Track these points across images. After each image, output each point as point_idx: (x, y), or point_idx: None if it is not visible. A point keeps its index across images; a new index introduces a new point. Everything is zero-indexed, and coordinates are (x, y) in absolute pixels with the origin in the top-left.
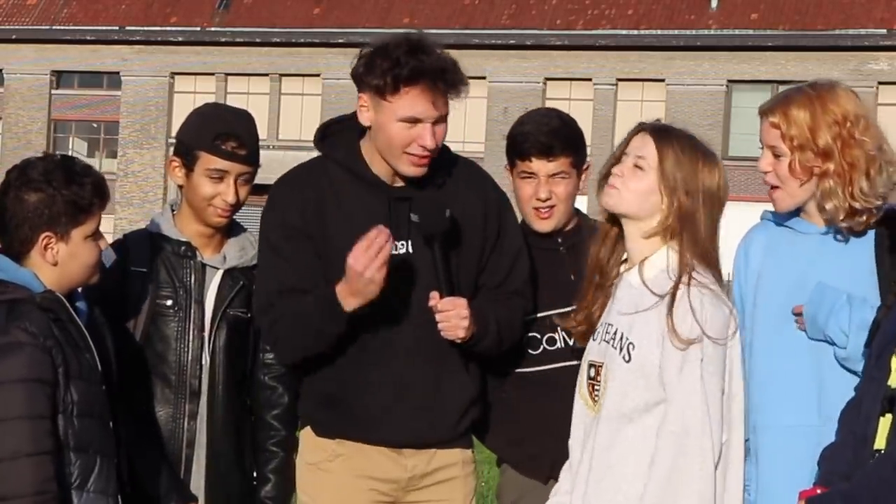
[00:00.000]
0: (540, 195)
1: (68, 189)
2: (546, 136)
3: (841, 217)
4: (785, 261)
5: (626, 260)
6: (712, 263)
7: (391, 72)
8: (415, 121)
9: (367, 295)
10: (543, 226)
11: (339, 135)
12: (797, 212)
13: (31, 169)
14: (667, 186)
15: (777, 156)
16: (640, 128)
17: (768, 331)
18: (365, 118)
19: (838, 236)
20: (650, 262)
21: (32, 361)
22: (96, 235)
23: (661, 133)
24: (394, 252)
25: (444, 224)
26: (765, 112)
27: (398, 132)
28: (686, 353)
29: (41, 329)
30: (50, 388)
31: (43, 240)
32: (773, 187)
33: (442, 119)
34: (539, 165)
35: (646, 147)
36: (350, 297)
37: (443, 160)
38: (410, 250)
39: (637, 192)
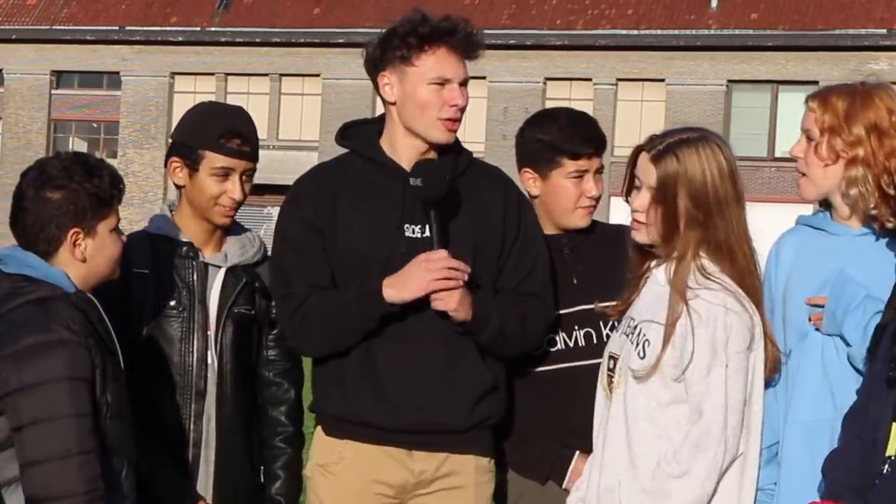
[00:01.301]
0: (594, 192)
1: (90, 182)
2: (597, 130)
3: (871, 205)
4: (814, 263)
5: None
6: (738, 261)
7: (414, 34)
8: (444, 81)
9: (405, 289)
10: (587, 220)
11: (359, 131)
12: (831, 213)
13: (48, 167)
14: (676, 207)
15: (810, 140)
16: (638, 150)
17: (797, 333)
18: (389, 94)
19: (869, 239)
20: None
21: (76, 359)
22: (118, 229)
23: (658, 156)
24: (409, 235)
25: (442, 189)
26: (808, 98)
27: (429, 96)
28: (713, 358)
29: (82, 328)
30: (90, 387)
31: (72, 236)
32: (802, 175)
33: (465, 82)
34: (593, 162)
35: (647, 173)
36: (391, 286)
37: (463, 159)
38: (427, 234)
39: (661, 221)
